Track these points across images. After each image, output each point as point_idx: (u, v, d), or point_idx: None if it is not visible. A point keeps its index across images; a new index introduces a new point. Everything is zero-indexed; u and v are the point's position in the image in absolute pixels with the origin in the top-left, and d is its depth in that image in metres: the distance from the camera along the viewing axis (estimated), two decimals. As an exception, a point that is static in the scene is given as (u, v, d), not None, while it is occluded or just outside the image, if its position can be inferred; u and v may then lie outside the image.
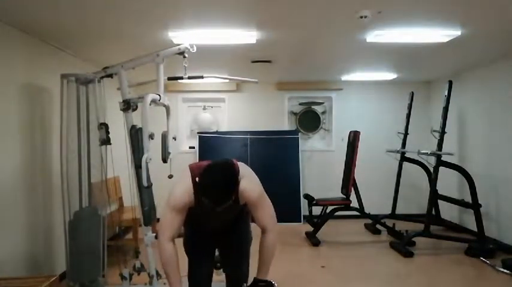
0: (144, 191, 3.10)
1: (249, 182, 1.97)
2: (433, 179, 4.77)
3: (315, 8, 2.82)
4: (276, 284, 1.95)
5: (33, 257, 3.31)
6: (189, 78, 3.32)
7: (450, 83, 4.72)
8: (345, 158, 5.45)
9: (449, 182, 5.50)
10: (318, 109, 6.64)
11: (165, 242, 1.89)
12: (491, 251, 4.36)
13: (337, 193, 5.48)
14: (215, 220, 2.09)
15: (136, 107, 3.12)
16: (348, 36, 3.56)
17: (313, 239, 5.02)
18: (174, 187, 2.00)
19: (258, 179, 2.07)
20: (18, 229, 3.14)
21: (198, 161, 6.09)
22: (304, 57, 4.57)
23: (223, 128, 6.51)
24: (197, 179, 1.86)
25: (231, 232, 2.21)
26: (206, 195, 1.78)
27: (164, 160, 3.08)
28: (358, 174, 5.29)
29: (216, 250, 2.40)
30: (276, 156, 6.22)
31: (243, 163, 2.09)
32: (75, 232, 3.14)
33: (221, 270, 2.46)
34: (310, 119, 6.64)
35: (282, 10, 2.86)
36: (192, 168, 2.02)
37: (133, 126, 3.04)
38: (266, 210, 2.00)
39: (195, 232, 2.21)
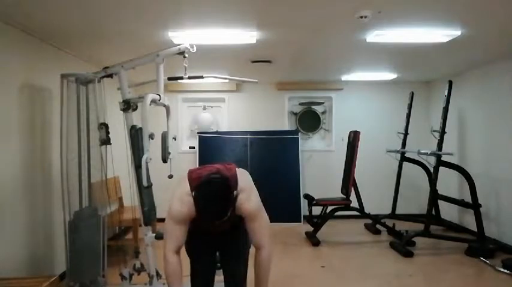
0: (144, 191, 3.10)
1: (248, 197, 1.96)
2: (433, 179, 4.77)
3: (315, 8, 2.82)
4: None
5: (33, 257, 3.31)
6: (189, 78, 3.32)
7: (450, 83, 4.72)
8: (345, 158, 5.45)
9: (449, 182, 5.50)
10: (318, 109, 6.64)
11: (169, 254, 1.88)
12: (491, 251, 4.36)
13: (337, 193, 5.48)
14: (215, 227, 2.09)
15: (136, 107, 3.12)
16: (348, 36, 3.56)
17: (313, 239, 5.03)
18: (173, 197, 1.98)
19: (257, 192, 2.05)
20: (18, 229, 3.13)
21: (198, 161, 6.11)
22: (304, 57, 4.57)
23: (223, 128, 6.50)
24: (193, 193, 1.84)
25: (231, 234, 2.21)
26: (201, 213, 1.79)
27: (164, 160, 3.08)
28: (358, 174, 5.29)
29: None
30: (276, 156, 6.22)
31: (242, 171, 2.07)
32: (75, 232, 3.14)
33: (221, 270, 2.46)
34: (310, 119, 6.64)
35: (282, 10, 2.86)
36: (191, 177, 1.98)
37: (133, 126, 3.04)
38: (262, 225, 1.98)
39: (196, 233, 2.21)
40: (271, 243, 2.00)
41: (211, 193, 1.77)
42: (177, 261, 1.88)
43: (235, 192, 1.87)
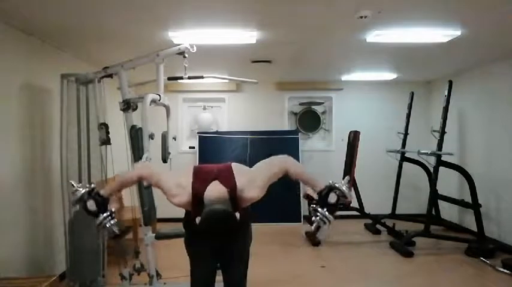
0: (144, 191, 3.10)
1: (252, 189, 1.98)
2: (433, 179, 4.77)
3: (315, 8, 2.82)
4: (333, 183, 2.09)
5: (33, 257, 3.31)
6: (189, 78, 3.32)
7: (450, 83, 4.72)
8: (345, 158, 5.45)
9: (449, 182, 5.50)
10: (318, 109, 6.64)
11: (137, 174, 2.13)
12: (491, 251, 4.36)
13: (337, 193, 5.46)
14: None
15: (136, 107, 3.12)
16: (348, 36, 3.56)
17: (313, 239, 5.02)
18: (175, 174, 2.13)
19: (252, 171, 2.11)
20: (18, 229, 3.14)
21: (198, 161, 6.09)
22: (304, 57, 4.57)
23: (223, 128, 6.50)
24: (197, 220, 1.88)
25: (231, 236, 2.21)
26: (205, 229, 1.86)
27: (164, 160, 3.08)
28: (358, 174, 5.29)
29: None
30: (276, 156, 6.20)
31: (236, 166, 2.10)
32: (75, 232, 3.14)
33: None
34: (310, 119, 6.64)
35: (282, 10, 2.86)
36: (196, 172, 2.02)
37: (133, 126, 3.04)
38: (273, 164, 2.14)
39: (196, 236, 2.21)
40: (286, 159, 2.19)
41: (216, 224, 1.84)
42: (133, 181, 2.16)
43: (237, 214, 1.90)
